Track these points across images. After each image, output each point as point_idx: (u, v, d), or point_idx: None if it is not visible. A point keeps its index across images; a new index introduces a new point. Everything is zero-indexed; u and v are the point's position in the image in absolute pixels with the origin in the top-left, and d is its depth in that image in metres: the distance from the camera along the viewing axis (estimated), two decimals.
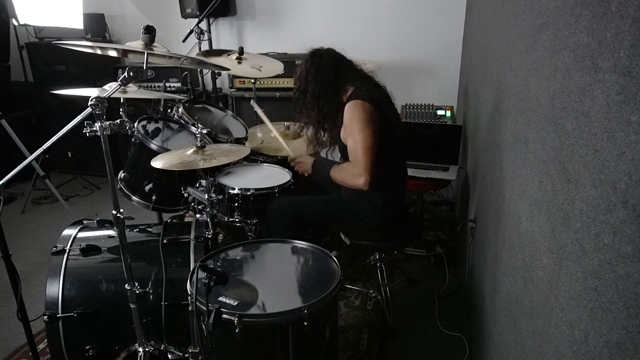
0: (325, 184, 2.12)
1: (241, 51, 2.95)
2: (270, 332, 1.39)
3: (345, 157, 2.06)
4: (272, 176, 2.44)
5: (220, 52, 3.02)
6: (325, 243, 2.42)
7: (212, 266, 1.56)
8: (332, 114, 2.00)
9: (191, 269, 1.52)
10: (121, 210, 1.56)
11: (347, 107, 1.91)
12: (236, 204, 2.28)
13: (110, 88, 1.60)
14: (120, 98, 2.41)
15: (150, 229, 2.07)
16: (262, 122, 3.14)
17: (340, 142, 2.03)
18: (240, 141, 2.68)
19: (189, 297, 1.42)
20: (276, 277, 1.59)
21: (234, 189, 2.26)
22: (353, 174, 1.89)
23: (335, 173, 2.01)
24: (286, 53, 3.83)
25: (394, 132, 1.99)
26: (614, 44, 0.72)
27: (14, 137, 3.09)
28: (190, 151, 1.98)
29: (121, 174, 2.21)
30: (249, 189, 2.24)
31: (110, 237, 1.95)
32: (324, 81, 1.99)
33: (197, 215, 2.15)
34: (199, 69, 3.86)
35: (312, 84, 2.00)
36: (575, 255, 0.84)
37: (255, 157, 2.78)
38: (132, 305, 1.64)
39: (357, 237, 2.13)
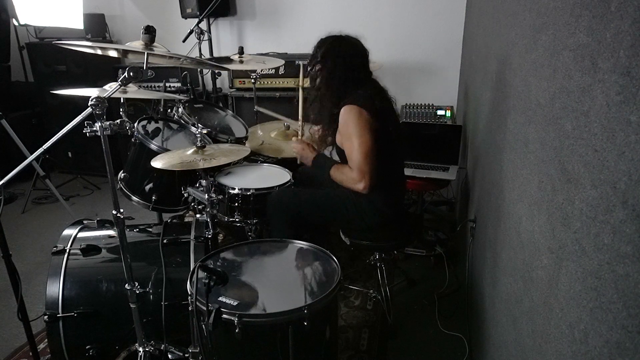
0: (322, 179, 2.12)
1: (241, 51, 2.95)
2: (270, 332, 1.39)
3: (342, 159, 2.07)
4: (272, 176, 2.44)
5: (224, 60, 3.02)
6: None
7: (212, 266, 1.56)
8: (333, 110, 1.98)
9: (191, 269, 1.52)
10: (121, 210, 1.56)
11: (342, 110, 1.91)
12: (236, 204, 2.28)
13: (111, 88, 1.60)
14: (120, 98, 2.41)
15: (150, 229, 2.07)
16: (262, 121, 3.15)
17: (336, 145, 2.03)
18: (240, 141, 2.68)
19: (189, 297, 1.42)
20: (276, 277, 1.59)
21: (234, 189, 2.26)
22: (352, 178, 1.90)
23: (335, 173, 2.01)
24: (286, 53, 3.83)
25: (392, 135, 1.99)
26: (613, 44, 0.72)
27: (14, 137, 3.10)
28: (190, 151, 1.98)
29: (121, 174, 2.21)
30: (249, 189, 2.24)
31: (110, 237, 1.95)
32: (348, 68, 1.95)
33: (197, 215, 2.15)
34: (199, 69, 3.86)
35: (336, 68, 1.95)
36: (575, 255, 0.84)
37: (255, 157, 2.78)
38: (132, 305, 1.64)
39: (357, 237, 2.13)
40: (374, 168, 1.87)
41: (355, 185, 1.89)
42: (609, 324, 0.69)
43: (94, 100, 1.42)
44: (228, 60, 2.95)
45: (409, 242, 2.43)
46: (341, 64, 1.95)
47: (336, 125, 1.99)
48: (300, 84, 2.05)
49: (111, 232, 1.97)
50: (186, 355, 1.73)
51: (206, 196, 1.90)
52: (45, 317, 1.72)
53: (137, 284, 1.64)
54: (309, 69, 2.06)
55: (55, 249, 1.83)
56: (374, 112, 1.90)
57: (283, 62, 3.07)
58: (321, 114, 2.06)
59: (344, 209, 2.07)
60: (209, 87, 4.07)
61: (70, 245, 1.85)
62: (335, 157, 2.18)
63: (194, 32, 3.29)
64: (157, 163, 1.90)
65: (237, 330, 1.31)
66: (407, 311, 2.40)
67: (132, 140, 2.30)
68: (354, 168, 1.90)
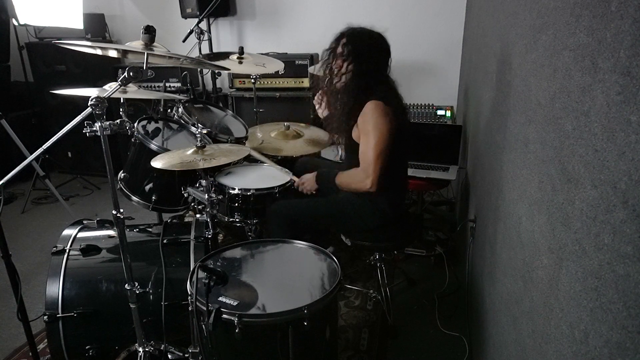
0: (331, 192, 2.12)
1: (241, 51, 2.95)
2: (270, 332, 1.39)
3: (350, 153, 2.04)
4: (272, 176, 2.44)
5: (223, 55, 3.01)
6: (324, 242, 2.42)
7: (212, 266, 1.56)
8: (354, 104, 1.93)
9: (191, 269, 1.52)
10: (121, 210, 1.56)
11: (368, 105, 1.87)
12: (236, 204, 2.28)
13: (110, 88, 1.60)
14: (120, 98, 2.41)
15: (150, 229, 2.07)
16: (262, 121, 3.15)
17: (349, 139, 2.00)
18: (240, 141, 2.68)
19: (189, 297, 1.42)
20: (276, 277, 1.59)
21: (234, 189, 2.26)
22: (360, 177, 1.89)
23: (341, 179, 2.01)
24: (286, 53, 3.83)
25: (403, 137, 1.99)
26: (614, 44, 0.72)
27: (14, 137, 3.09)
28: (190, 151, 1.98)
29: (121, 174, 2.21)
30: (249, 189, 2.24)
31: (110, 237, 1.95)
32: (377, 64, 1.94)
33: (197, 215, 2.15)
34: (199, 69, 3.86)
35: (366, 63, 1.91)
36: (575, 255, 0.84)
37: None
38: (132, 305, 1.64)
39: (357, 237, 2.13)
40: (384, 168, 1.87)
41: (363, 183, 1.88)
42: (609, 324, 0.69)
43: (94, 100, 1.42)
44: (227, 55, 2.95)
45: (409, 242, 2.43)
46: (371, 60, 1.92)
47: (354, 120, 1.94)
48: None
49: (111, 232, 1.97)
50: (186, 355, 1.73)
51: (206, 196, 1.91)
52: (45, 317, 1.72)
53: (137, 284, 1.64)
54: (328, 59, 1.99)
55: (55, 249, 1.83)
56: (396, 111, 1.90)
57: (283, 65, 3.07)
58: (340, 107, 1.97)
59: (344, 214, 2.07)
60: (209, 87, 4.07)
61: (70, 245, 1.85)
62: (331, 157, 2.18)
63: (194, 32, 3.28)
64: (157, 163, 1.90)
65: (237, 330, 1.31)
66: (407, 311, 2.40)
67: (132, 140, 2.30)
68: (363, 165, 1.88)
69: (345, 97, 1.95)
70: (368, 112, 1.87)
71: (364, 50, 1.91)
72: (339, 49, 1.94)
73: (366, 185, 1.88)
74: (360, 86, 1.92)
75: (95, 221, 2.05)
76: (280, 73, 3.13)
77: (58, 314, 1.72)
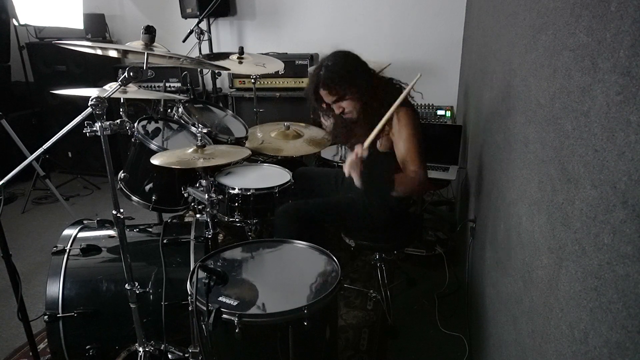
0: (373, 186, 1.92)
1: (241, 51, 2.95)
2: (270, 332, 1.39)
3: (380, 162, 1.97)
4: (272, 176, 2.44)
5: (223, 55, 3.02)
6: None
7: (212, 266, 1.56)
8: (377, 110, 1.90)
9: (191, 269, 1.52)
10: (121, 210, 1.56)
11: (404, 112, 1.90)
12: (236, 204, 2.28)
13: (111, 88, 1.60)
14: (120, 98, 2.41)
15: (150, 229, 2.07)
16: (262, 121, 3.15)
17: (376, 148, 1.96)
18: (240, 141, 2.68)
19: (189, 297, 1.42)
20: (276, 277, 1.59)
21: (234, 189, 2.26)
22: (412, 174, 1.87)
23: (397, 184, 1.88)
24: (286, 53, 3.83)
25: None
26: (613, 44, 0.72)
27: (14, 137, 3.10)
28: (189, 150, 1.98)
29: (121, 174, 2.21)
30: (249, 189, 2.25)
31: (110, 237, 1.95)
32: (367, 72, 1.97)
33: (197, 215, 2.15)
34: (199, 69, 3.87)
35: (358, 81, 1.91)
36: (575, 255, 0.84)
37: (256, 157, 2.78)
38: (132, 305, 1.65)
39: (359, 236, 2.13)
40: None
41: (416, 179, 1.86)
42: (609, 324, 0.69)
43: (94, 100, 1.42)
44: (227, 55, 2.96)
45: (409, 242, 2.43)
46: (363, 73, 1.96)
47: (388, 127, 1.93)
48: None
49: (111, 232, 1.97)
50: (186, 355, 1.73)
51: (206, 196, 1.90)
52: (45, 317, 1.72)
53: (137, 284, 1.64)
54: (326, 112, 2.07)
55: (55, 249, 1.84)
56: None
57: (283, 65, 3.07)
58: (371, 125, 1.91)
59: (353, 208, 2.08)
60: (209, 87, 4.07)
61: (70, 245, 1.86)
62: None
63: (194, 32, 3.28)
64: (156, 160, 1.89)
65: (237, 330, 1.31)
66: (407, 311, 2.40)
67: (132, 140, 2.30)
68: (413, 162, 1.88)
69: (371, 118, 1.91)
70: (406, 118, 1.90)
71: (350, 73, 1.90)
72: (332, 96, 1.93)
73: (419, 178, 1.87)
74: (374, 101, 1.93)
75: (96, 221, 2.05)
76: (280, 73, 3.13)
77: (58, 313, 1.73)
